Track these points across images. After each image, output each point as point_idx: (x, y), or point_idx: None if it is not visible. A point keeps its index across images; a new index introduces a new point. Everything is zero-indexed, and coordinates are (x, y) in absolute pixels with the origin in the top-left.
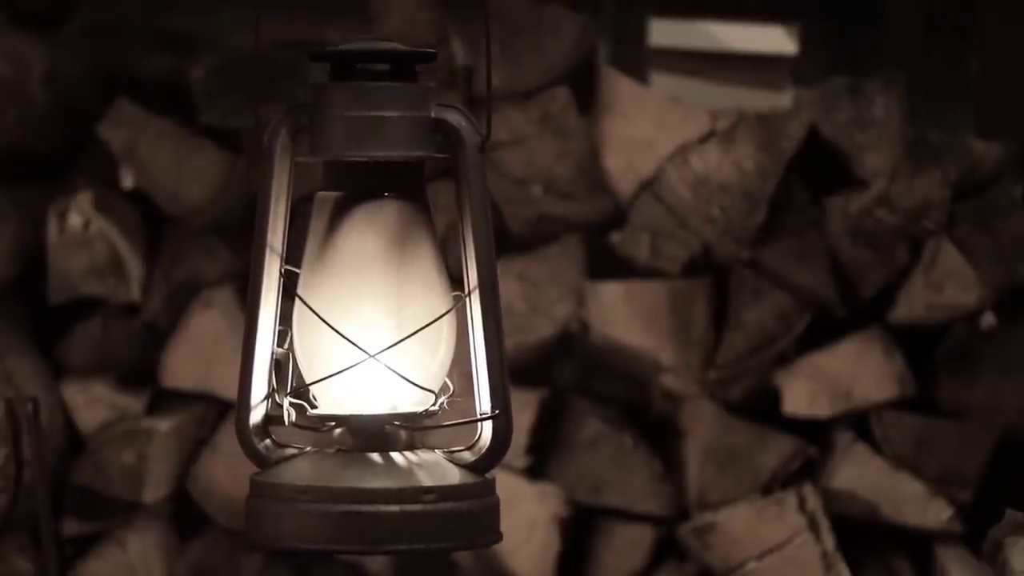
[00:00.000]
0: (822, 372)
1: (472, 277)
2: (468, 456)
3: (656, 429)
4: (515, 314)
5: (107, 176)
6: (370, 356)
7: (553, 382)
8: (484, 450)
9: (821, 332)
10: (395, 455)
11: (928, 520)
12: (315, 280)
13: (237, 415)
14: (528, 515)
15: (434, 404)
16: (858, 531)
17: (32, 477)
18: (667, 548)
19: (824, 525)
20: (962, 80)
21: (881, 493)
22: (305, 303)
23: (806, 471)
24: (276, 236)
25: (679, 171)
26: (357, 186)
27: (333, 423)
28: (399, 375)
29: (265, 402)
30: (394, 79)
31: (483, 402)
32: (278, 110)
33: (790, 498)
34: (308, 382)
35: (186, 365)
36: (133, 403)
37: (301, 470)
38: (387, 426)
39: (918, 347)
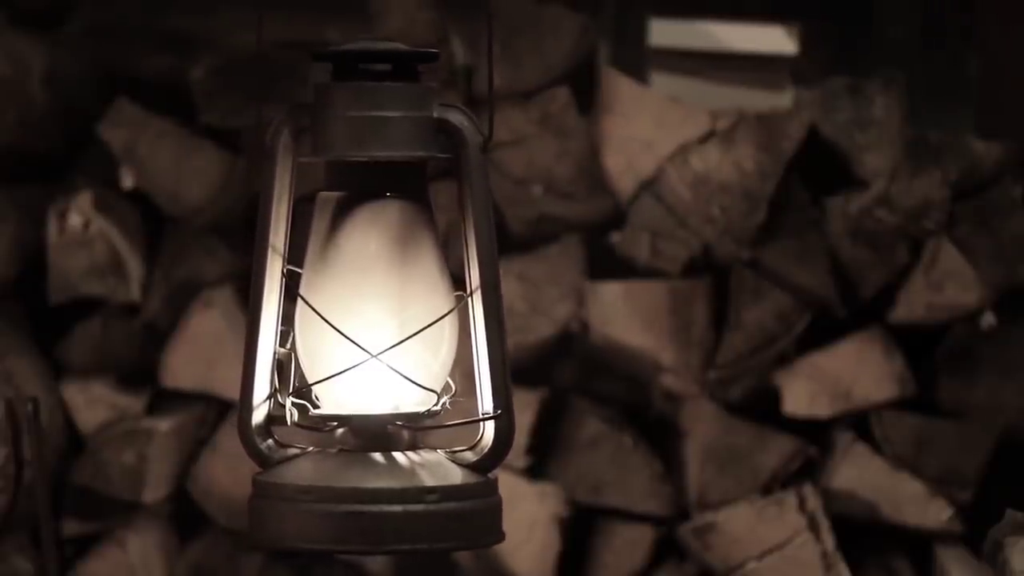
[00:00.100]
0: (822, 372)
1: (474, 277)
2: (470, 456)
3: (656, 429)
4: (515, 314)
5: (107, 176)
6: (372, 356)
7: (553, 382)
8: (486, 450)
9: (821, 332)
10: (397, 455)
11: (928, 520)
12: (317, 280)
13: (240, 415)
14: (528, 515)
15: (436, 404)
16: (858, 531)
17: (32, 477)
18: (667, 548)
19: (824, 525)
20: (962, 80)
21: (881, 493)
22: (307, 303)
23: (806, 471)
24: (278, 236)
25: (679, 171)
26: (359, 186)
27: (335, 423)
28: (401, 375)
29: (267, 402)
30: (396, 79)
31: (485, 402)
32: (280, 110)
33: (790, 498)
34: (310, 382)
35: (186, 365)
36: (133, 403)
37: (303, 470)
38: (389, 426)
39: (918, 347)
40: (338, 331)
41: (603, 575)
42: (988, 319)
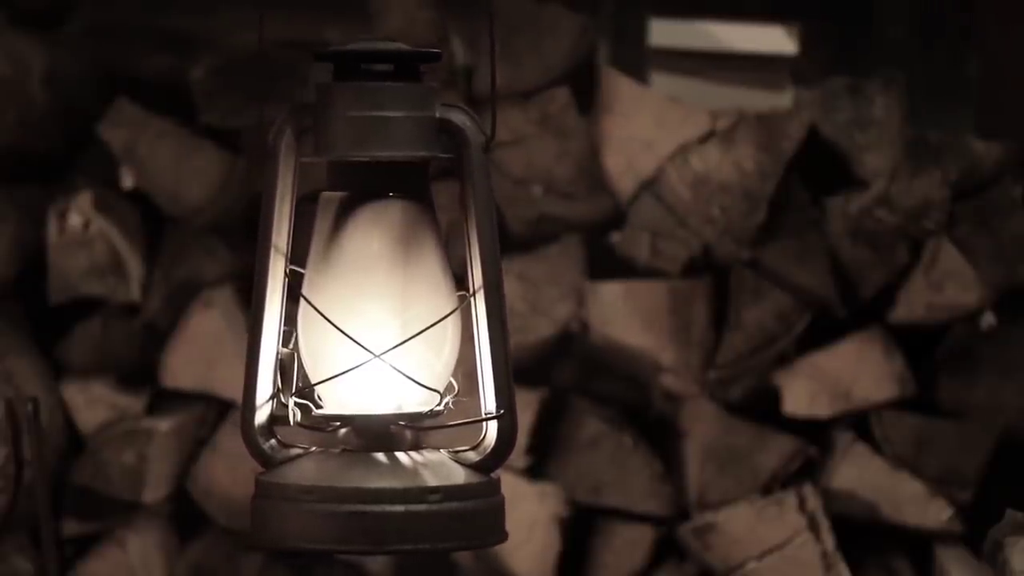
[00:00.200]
0: (822, 372)
1: (477, 277)
2: (473, 456)
3: (656, 429)
4: (515, 314)
5: (107, 176)
6: (375, 356)
7: (553, 382)
8: (489, 450)
9: (821, 332)
10: (400, 455)
11: (928, 520)
12: (320, 280)
13: (242, 415)
14: (528, 515)
15: (439, 404)
16: (858, 531)
17: (32, 477)
18: (667, 548)
19: (824, 525)
20: (962, 80)
21: (881, 493)
22: (310, 303)
23: (806, 471)
24: (281, 236)
25: (679, 171)
26: (361, 186)
27: (338, 423)
28: (404, 375)
29: (270, 402)
30: (398, 79)
31: (488, 402)
32: (281, 110)
33: (790, 498)
34: (313, 382)
35: (186, 365)
36: (133, 403)
37: (306, 470)
38: (392, 426)
39: (918, 347)
40: (341, 331)
41: (603, 575)
42: (988, 319)
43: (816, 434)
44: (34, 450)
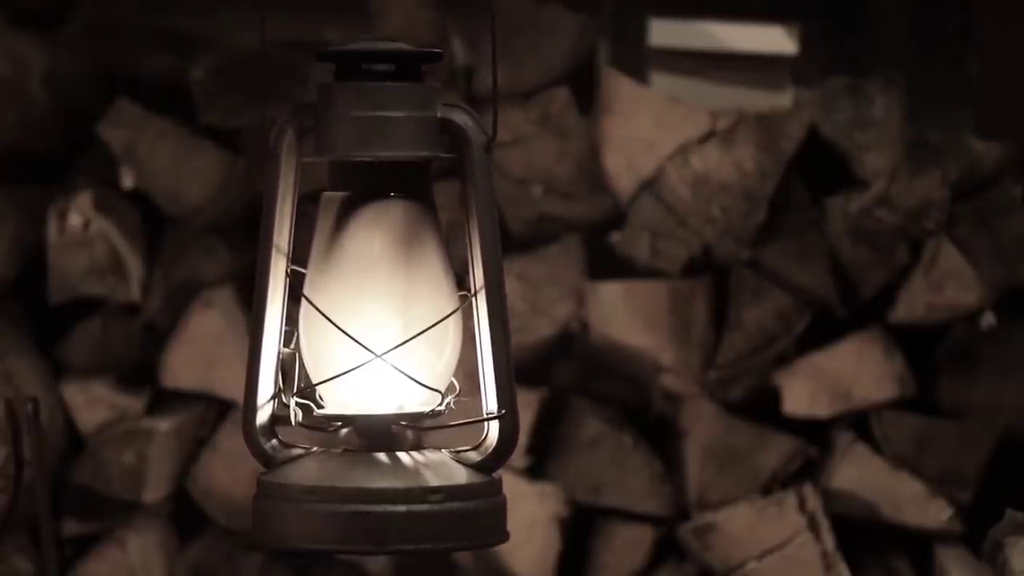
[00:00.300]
0: (822, 372)
1: (478, 277)
2: (474, 456)
3: (656, 429)
4: (515, 314)
5: (107, 176)
6: (377, 356)
7: (553, 382)
8: (490, 450)
9: (821, 332)
10: (402, 455)
11: (928, 520)
12: (321, 280)
13: (244, 415)
14: (528, 515)
15: (440, 404)
16: (858, 531)
17: (32, 477)
18: (667, 548)
19: (824, 525)
20: (962, 80)
21: (881, 493)
22: (312, 303)
23: (806, 471)
24: (282, 236)
25: (679, 171)
26: (363, 186)
27: (340, 423)
28: (406, 375)
29: (272, 402)
30: (400, 79)
31: (489, 402)
32: (283, 110)
33: (790, 498)
34: (315, 382)
35: (186, 365)
36: (133, 403)
37: (308, 470)
38: (393, 426)
39: (918, 347)
40: (342, 331)
41: (603, 575)
42: (988, 319)
43: (816, 434)
44: (34, 450)
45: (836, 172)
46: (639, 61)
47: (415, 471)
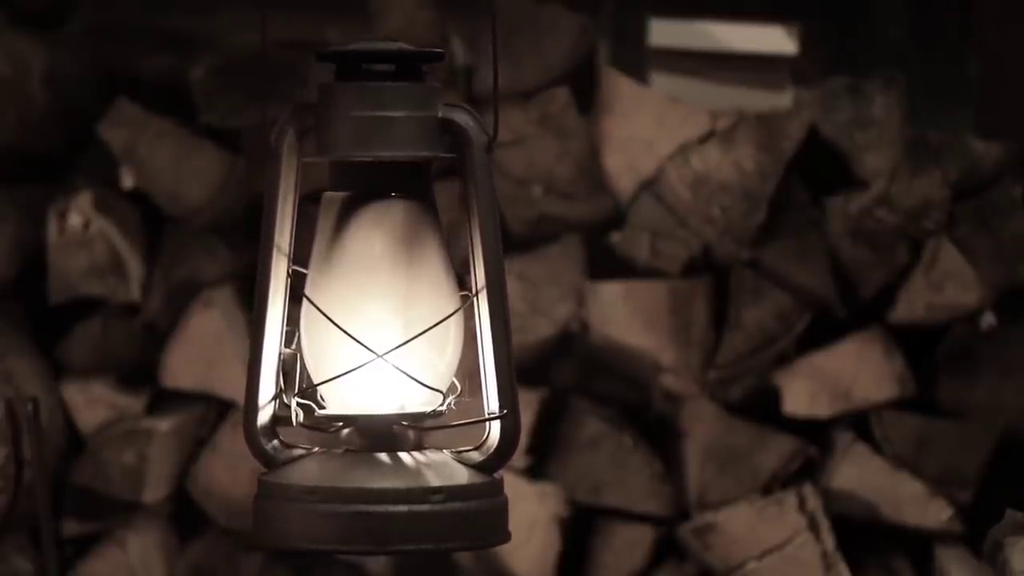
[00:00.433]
0: (822, 372)
1: (479, 277)
2: (476, 456)
3: (656, 429)
4: (515, 314)
5: (107, 176)
6: (378, 356)
7: (553, 382)
8: (492, 450)
9: (821, 332)
10: (403, 455)
11: (928, 520)
12: (322, 280)
13: (245, 415)
14: (528, 515)
15: (442, 404)
16: (858, 531)
17: (32, 477)
18: (667, 548)
19: (824, 525)
20: (962, 80)
21: (881, 493)
22: (313, 303)
23: (806, 471)
24: (283, 236)
25: (679, 171)
26: (364, 186)
27: (341, 423)
28: (407, 375)
29: (273, 402)
30: (400, 79)
31: (491, 402)
32: (283, 110)
33: (790, 498)
34: (316, 382)
35: (186, 365)
36: (133, 403)
37: (309, 470)
38: (395, 426)
39: (918, 347)
40: (343, 331)
41: (603, 575)
42: (988, 319)
43: (816, 434)
44: (34, 450)
45: (836, 172)
46: (639, 61)
47: (416, 471)
